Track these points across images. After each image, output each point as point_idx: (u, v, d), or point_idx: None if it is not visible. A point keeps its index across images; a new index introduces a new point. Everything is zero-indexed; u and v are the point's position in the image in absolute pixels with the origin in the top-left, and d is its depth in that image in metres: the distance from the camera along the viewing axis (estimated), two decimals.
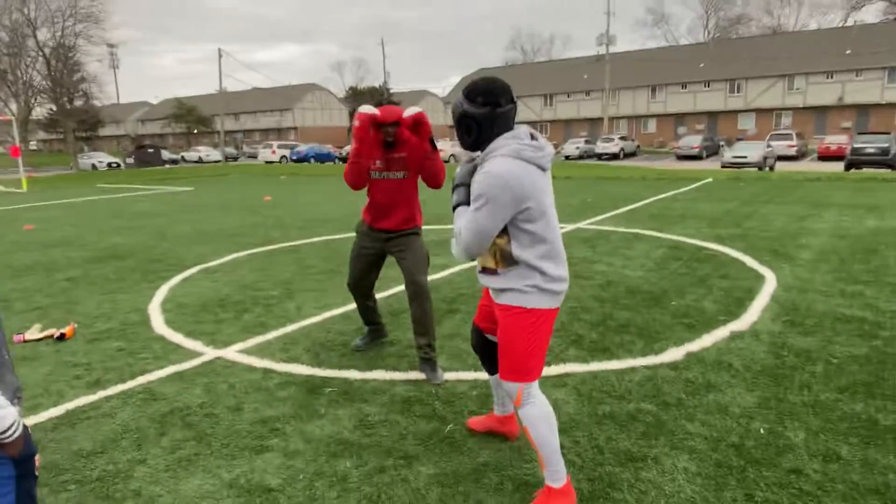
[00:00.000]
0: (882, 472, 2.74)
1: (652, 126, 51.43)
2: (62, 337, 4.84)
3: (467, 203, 2.48)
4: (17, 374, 2.20)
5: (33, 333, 4.90)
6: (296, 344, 4.62)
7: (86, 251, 8.82)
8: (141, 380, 4.00)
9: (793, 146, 31.64)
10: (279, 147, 45.09)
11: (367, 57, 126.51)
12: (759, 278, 6.19)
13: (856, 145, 23.01)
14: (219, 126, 56.99)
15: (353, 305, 5.55)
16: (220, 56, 46.96)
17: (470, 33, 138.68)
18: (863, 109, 42.17)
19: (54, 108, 46.11)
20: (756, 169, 24.51)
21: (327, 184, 21.68)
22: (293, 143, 50.05)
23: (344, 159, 41.69)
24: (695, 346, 4.35)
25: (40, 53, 41.48)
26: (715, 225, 9.66)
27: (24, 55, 41.54)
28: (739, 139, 37.13)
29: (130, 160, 43.52)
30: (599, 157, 37.55)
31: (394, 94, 65.10)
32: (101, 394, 3.80)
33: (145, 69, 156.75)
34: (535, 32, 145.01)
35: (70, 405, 3.65)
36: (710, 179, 18.85)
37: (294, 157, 42.85)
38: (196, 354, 4.45)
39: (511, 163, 2.32)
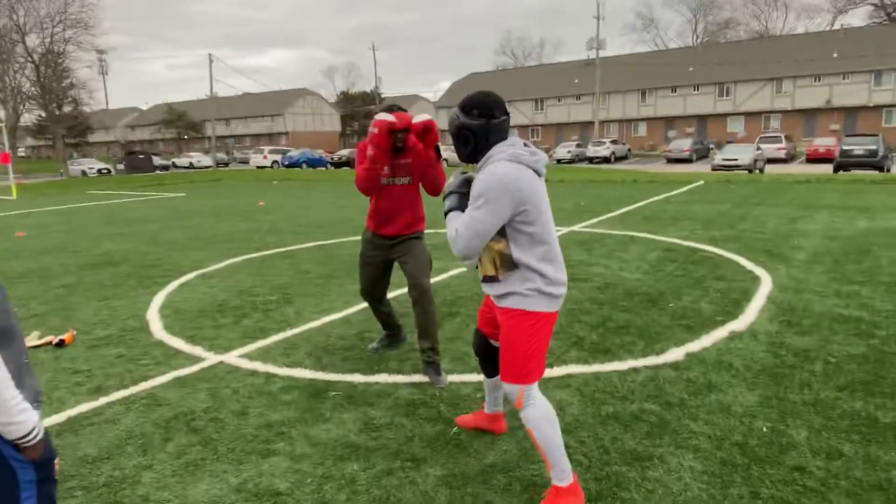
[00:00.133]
0: (884, 468, 2.78)
1: (642, 129, 51.72)
2: (61, 343, 4.81)
3: (459, 209, 2.58)
4: None
5: (32, 340, 4.87)
6: (297, 348, 4.61)
7: (79, 258, 8.77)
8: (143, 385, 3.99)
9: (782, 149, 31.94)
10: (270, 152, 45.03)
11: (359, 62, 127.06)
12: (755, 279, 6.25)
13: (844, 147, 23.19)
14: (210, 131, 56.84)
15: (353, 309, 5.57)
16: (211, 61, 46.96)
17: (461, 38, 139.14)
18: (850, 112, 42.60)
19: (43, 114, 45.82)
20: (746, 171, 24.72)
21: (320, 189, 21.66)
22: (285, 148, 49.99)
23: (335, 164, 41.62)
24: (695, 346, 4.38)
25: (29, 59, 41.23)
26: (709, 227, 9.74)
27: (12, 61, 41.24)
28: (729, 142, 37.48)
29: (121, 166, 43.24)
30: (591, 160, 37.72)
31: (385, 99, 65.16)
32: (104, 400, 3.79)
33: (135, 75, 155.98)
34: (525, 37, 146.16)
35: (72, 412, 3.63)
36: (701, 182, 19.00)
37: (286, 163, 42.79)
38: (197, 360, 4.44)
39: (510, 166, 2.41)
